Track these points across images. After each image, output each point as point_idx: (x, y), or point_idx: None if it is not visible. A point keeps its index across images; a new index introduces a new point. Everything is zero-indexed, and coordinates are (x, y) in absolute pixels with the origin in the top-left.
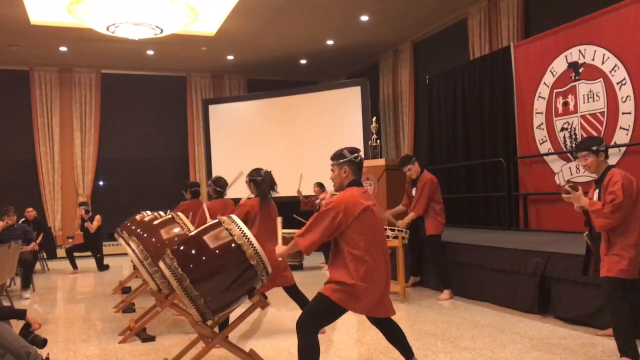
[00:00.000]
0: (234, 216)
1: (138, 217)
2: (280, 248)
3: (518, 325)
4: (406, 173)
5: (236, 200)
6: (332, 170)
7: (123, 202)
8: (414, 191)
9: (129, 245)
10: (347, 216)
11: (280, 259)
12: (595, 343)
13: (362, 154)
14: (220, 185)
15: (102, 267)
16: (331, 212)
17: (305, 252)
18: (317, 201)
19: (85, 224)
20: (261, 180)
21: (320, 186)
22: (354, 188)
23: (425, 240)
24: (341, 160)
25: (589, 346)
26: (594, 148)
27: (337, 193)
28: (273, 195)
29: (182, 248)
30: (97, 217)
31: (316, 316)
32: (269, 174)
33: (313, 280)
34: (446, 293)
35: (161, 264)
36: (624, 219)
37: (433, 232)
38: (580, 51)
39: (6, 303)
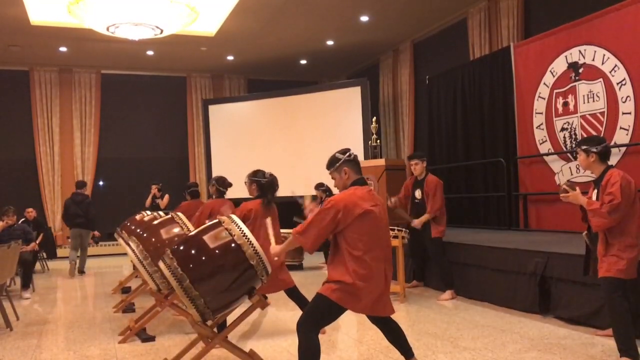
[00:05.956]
0: (233, 216)
1: (138, 217)
2: (275, 248)
3: (518, 325)
4: (411, 168)
5: (236, 200)
6: (332, 178)
7: (123, 202)
8: (417, 193)
9: (128, 245)
10: (347, 216)
11: (276, 258)
12: (595, 343)
13: (353, 151)
14: (222, 184)
15: None
16: (331, 210)
17: (310, 251)
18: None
19: (157, 200)
20: (265, 183)
21: (320, 187)
22: (357, 187)
23: (430, 242)
24: (337, 165)
25: (589, 346)
26: (584, 147)
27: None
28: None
29: (181, 248)
30: (167, 196)
31: (316, 317)
32: (273, 177)
33: (313, 280)
34: (448, 293)
35: (161, 264)
36: (621, 219)
37: (438, 234)
38: (580, 51)
39: (6, 303)
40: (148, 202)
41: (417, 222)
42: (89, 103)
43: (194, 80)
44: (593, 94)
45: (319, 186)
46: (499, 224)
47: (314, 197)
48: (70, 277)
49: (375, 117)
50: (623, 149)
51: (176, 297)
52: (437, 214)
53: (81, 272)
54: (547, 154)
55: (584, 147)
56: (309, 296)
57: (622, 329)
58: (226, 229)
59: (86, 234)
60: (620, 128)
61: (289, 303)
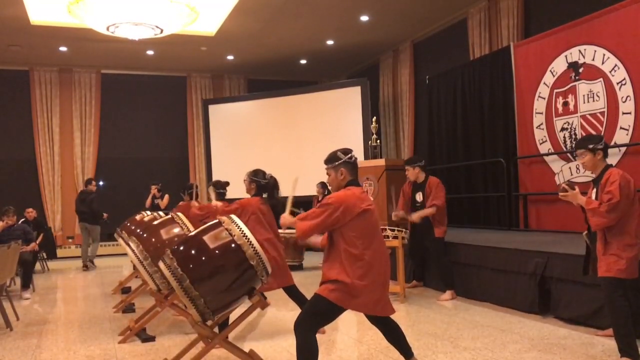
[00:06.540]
0: (233, 216)
1: (138, 217)
2: (286, 217)
3: (518, 325)
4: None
5: (235, 200)
6: (328, 174)
7: (123, 202)
8: (417, 196)
9: (128, 245)
10: (345, 214)
11: (283, 226)
12: (595, 343)
13: (355, 153)
14: (220, 186)
15: None
16: (330, 207)
17: (301, 237)
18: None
19: (156, 200)
20: (265, 184)
21: (323, 186)
22: (354, 187)
23: (432, 242)
24: (336, 163)
25: (589, 346)
26: (590, 146)
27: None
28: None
29: (181, 248)
30: (167, 196)
31: (314, 317)
32: (273, 179)
33: (313, 280)
34: (448, 293)
35: (161, 264)
36: (620, 219)
37: (441, 234)
38: (580, 51)
39: (6, 303)
40: (148, 202)
41: (415, 216)
42: (89, 103)
43: (194, 80)
44: (593, 93)
45: (320, 185)
46: (499, 224)
47: (295, 210)
48: (83, 270)
49: (375, 117)
50: (623, 149)
51: (176, 297)
52: (438, 207)
53: (91, 261)
54: (547, 154)
55: (590, 147)
56: (309, 296)
57: (622, 329)
58: (226, 229)
59: (91, 227)
60: (620, 128)
61: (289, 303)
